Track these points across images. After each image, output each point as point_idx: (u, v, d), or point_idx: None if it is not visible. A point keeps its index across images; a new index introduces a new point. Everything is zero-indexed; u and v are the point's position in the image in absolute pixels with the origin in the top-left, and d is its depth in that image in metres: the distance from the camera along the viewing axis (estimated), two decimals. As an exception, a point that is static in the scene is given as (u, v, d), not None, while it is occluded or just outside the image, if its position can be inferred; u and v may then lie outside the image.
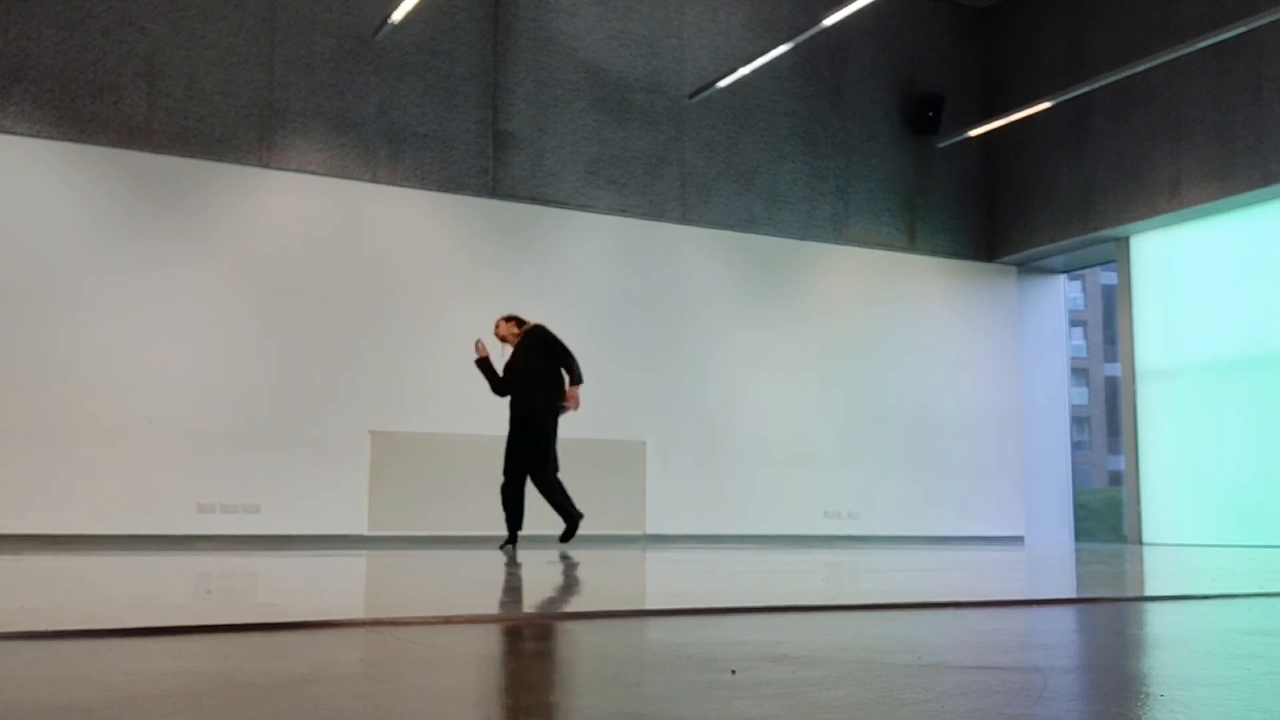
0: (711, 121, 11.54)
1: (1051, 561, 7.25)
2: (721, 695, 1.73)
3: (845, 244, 12.14)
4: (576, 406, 7.78)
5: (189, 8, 9.51)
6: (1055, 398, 13.36)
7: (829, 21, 9.85)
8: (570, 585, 4.53)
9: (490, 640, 2.50)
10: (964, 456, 12.46)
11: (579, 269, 10.77)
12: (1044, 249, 12.53)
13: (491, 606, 3.46)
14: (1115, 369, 20.06)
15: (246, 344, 9.44)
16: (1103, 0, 11.96)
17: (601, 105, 11.05)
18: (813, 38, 10.73)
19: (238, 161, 9.55)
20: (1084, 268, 14.01)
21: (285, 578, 4.88)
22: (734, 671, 1.96)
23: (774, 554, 7.82)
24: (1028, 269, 13.17)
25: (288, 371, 9.55)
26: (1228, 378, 11.10)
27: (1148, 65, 10.34)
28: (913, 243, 12.55)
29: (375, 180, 10.05)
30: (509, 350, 8.04)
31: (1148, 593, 4.40)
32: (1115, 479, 34.47)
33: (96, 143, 9.09)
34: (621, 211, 11.02)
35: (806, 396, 11.75)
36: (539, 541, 9.93)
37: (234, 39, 9.63)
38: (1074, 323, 39.70)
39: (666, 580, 5.03)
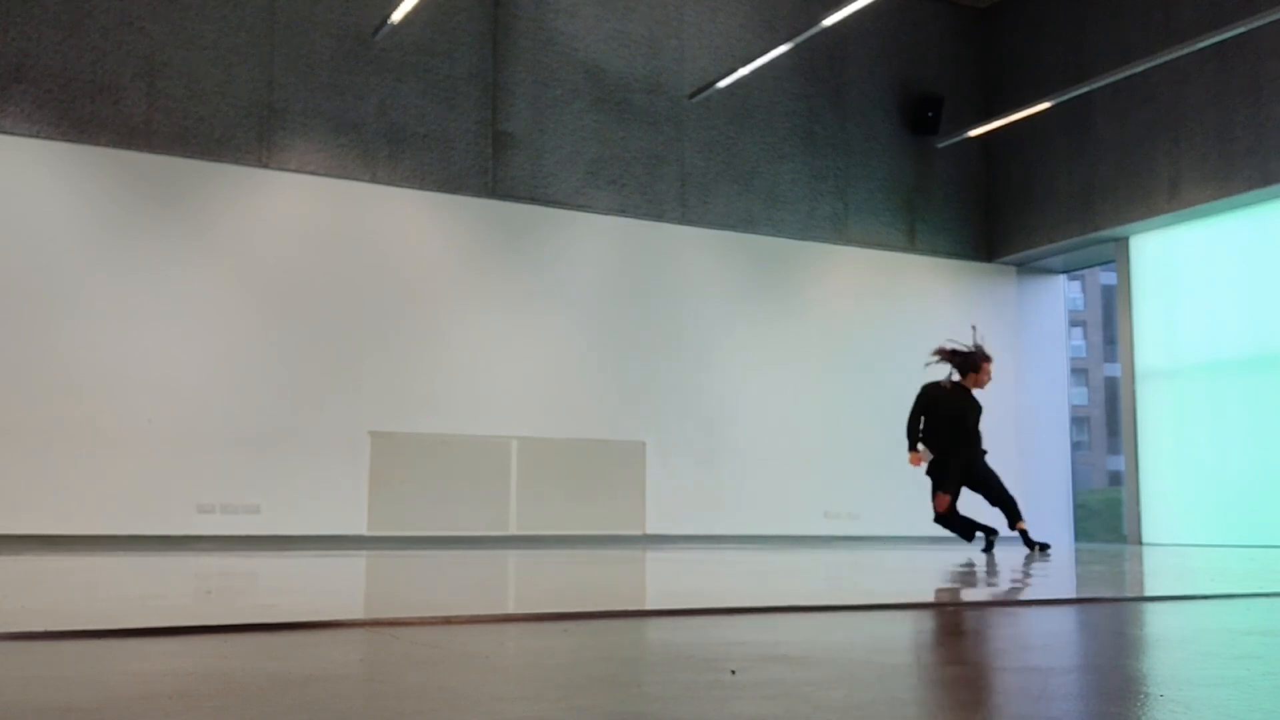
0: (711, 122, 11.54)
1: (1051, 562, 7.25)
2: (721, 695, 1.73)
3: (845, 244, 12.14)
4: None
5: (189, 8, 9.50)
6: (1055, 398, 13.35)
7: (829, 21, 9.85)
8: (569, 586, 4.53)
9: (490, 641, 2.50)
10: (964, 457, 12.43)
11: (579, 269, 10.76)
12: (1043, 249, 12.53)
13: (492, 607, 3.46)
14: (1115, 369, 20.06)
15: (246, 344, 9.44)
16: (1103, 0, 11.95)
17: (601, 105, 11.05)
18: (812, 38, 10.72)
19: (237, 162, 9.55)
20: (1083, 268, 14.01)
21: (285, 578, 4.87)
22: (734, 671, 1.96)
23: (774, 554, 7.82)
24: (1027, 269, 13.17)
25: (288, 372, 9.55)
26: (1228, 378, 11.09)
27: (1148, 65, 10.34)
28: (912, 243, 12.54)
29: (375, 181, 10.04)
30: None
31: (1148, 593, 4.40)
32: (1115, 479, 34.47)
33: (96, 143, 9.08)
34: (621, 212, 11.01)
35: (806, 397, 11.75)
36: (538, 543, 9.93)
37: (233, 39, 9.63)
38: (1074, 323, 39.67)
39: (666, 580, 5.03)
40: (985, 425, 12.97)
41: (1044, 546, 8.35)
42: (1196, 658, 2.32)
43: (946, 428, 8.56)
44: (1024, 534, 8.30)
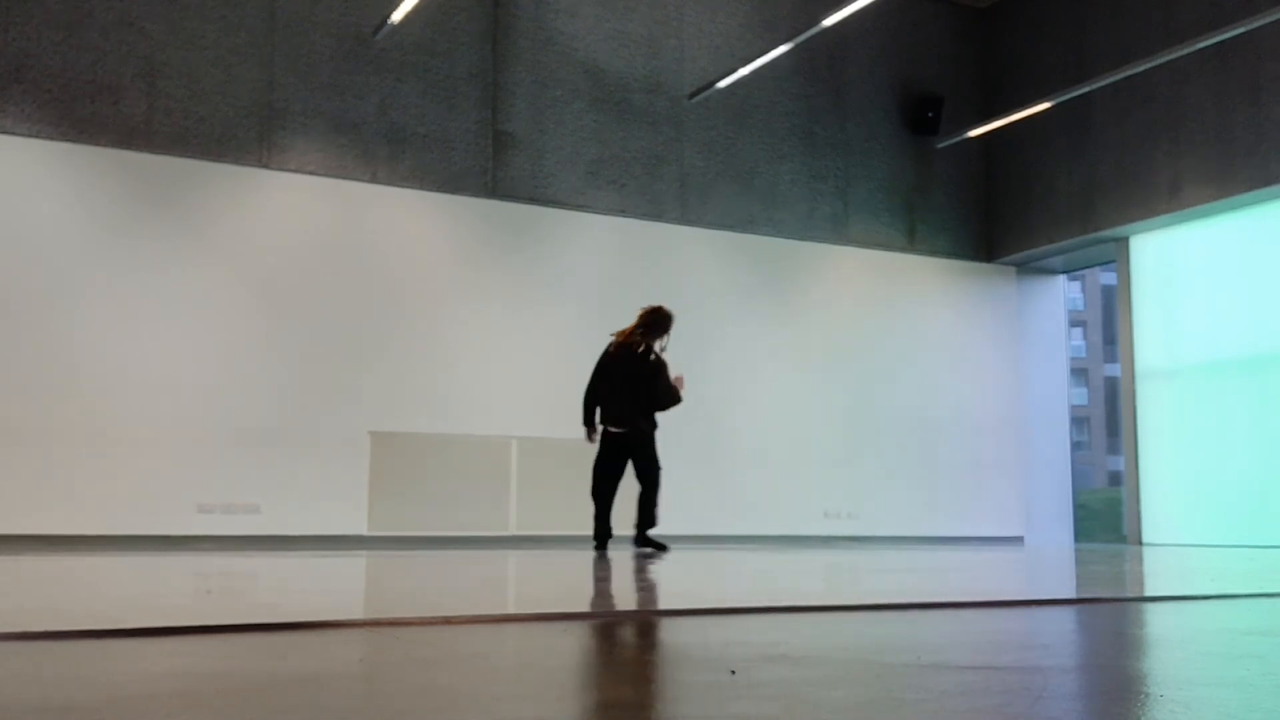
0: (711, 122, 11.54)
1: (1051, 562, 7.25)
2: (721, 695, 1.73)
3: (845, 244, 12.14)
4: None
5: (189, 8, 9.50)
6: (1055, 398, 13.35)
7: (829, 21, 9.85)
8: (569, 586, 4.53)
9: (490, 641, 2.50)
10: (964, 457, 12.45)
11: (578, 269, 10.76)
12: (1043, 249, 12.53)
13: (491, 607, 3.46)
14: (1115, 369, 20.06)
15: (246, 344, 9.44)
16: (1103, 0, 11.95)
17: (601, 105, 11.05)
18: (812, 38, 10.72)
19: (237, 162, 9.55)
20: (1084, 268, 14.01)
21: (285, 578, 4.88)
22: (734, 671, 1.96)
23: (774, 554, 7.82)
24: (1027, 269, 13.17)
25: (288, 372, 9.54)
26: (1228, 378, 11.09)
27: (1148, 65, 10.34)
28: (912, 243, 12.54)
29: (375, 181, 10.04)
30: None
31: (1148, 593, 4.40)
32: (1115, 479, 34.48)
33: (96, 143, 9.08)
34: (621, 212, 11.01)
35: (806, 396, 11.75)
36: (538, 543, 9.92)
37: (234, 39, 9.63)
38: (1074, 323, 39.68)
39: (666, 580, 5.03)
40: (988, 425, 13.04)
41: (661, 547, 7.71)
42: (1196, 658, 2.32)
43: (629, 391, 7.69)
44: (643, 537, 7.67)
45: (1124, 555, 8.43)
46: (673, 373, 7.84)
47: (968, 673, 2.03)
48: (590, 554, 7.36)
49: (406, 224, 10.18)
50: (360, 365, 9.79)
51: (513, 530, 10.15)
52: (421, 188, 10.21)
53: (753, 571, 5.58)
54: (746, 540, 10.88)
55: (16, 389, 8.66)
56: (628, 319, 10.99)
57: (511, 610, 3.40)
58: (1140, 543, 11.61)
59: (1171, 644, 2.66)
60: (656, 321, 7.67)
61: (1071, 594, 4.33)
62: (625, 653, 2.41)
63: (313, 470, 9.51)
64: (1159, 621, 3.19)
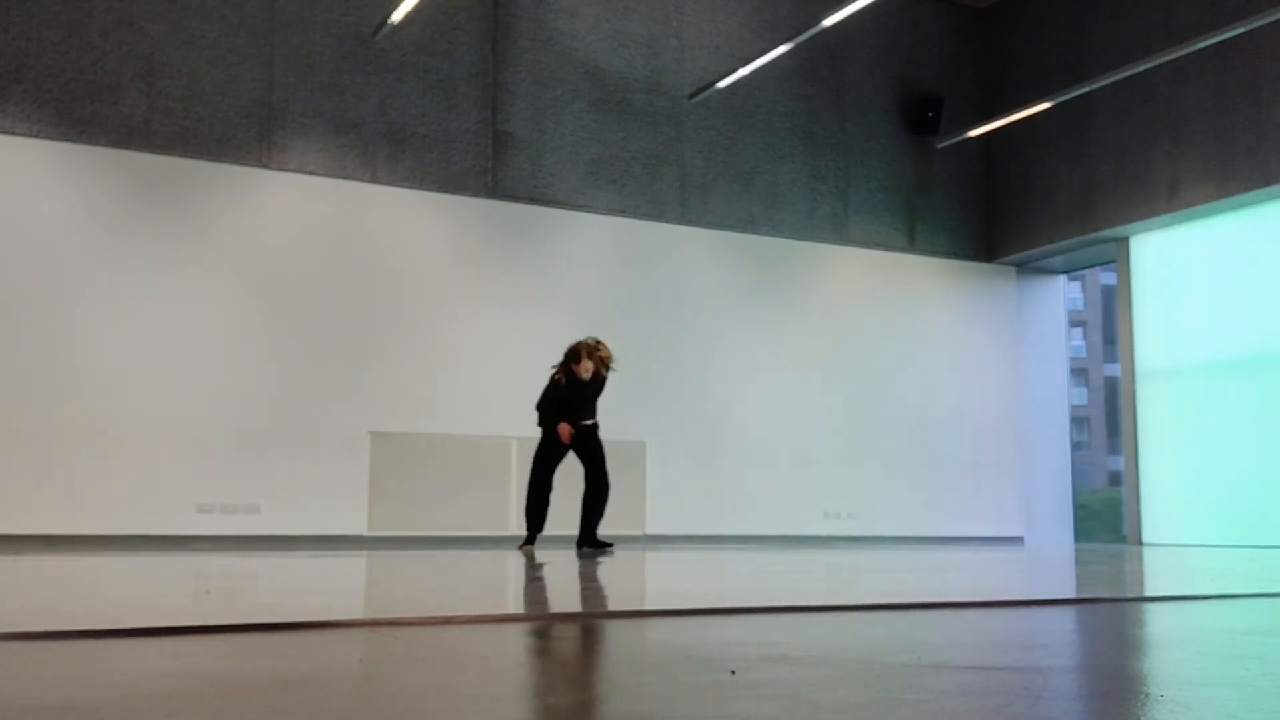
0: (711, 122, 11.54)
1: (1051, 562, 7.25)
2: (721, 695, 1.73)
3: (845, 244, 12.14)
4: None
5: (189, 8, 9.50)
6: (1055, 398, 13.35)
7: (829, 21, 9.85)
8: (570, 586, 4.53)
9: (490, 641, 2.50)
10: (964, 457, 12.45)
11: (578, 269, 10.76)
12: (1043, 249, 12.53)
13: (491, 607, 3.46)
14: (1115, 369, 20.07)
15: (246, 344, 9.44)
16: (1103, 0, 11.95)
17: (601, 105, 11.05)
18: (812, 38, 10.71)
19: (237, 162, 9.55)
20: (1084, 268, 14.02)
21: (285, 578, 4.88)
22: (734, 672, 1.96)
23: (774, 554, 7.82)
24: (1027, 269, 13.17)
25: (288, 372, 9.55)
26: (1228, 378, 11.09)
27: (1148, 65, 10.34)
28: (912, 243, 12.54)
29: (375, 181, 10.04)
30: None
31: (1148, 593, 4.40)
32: (1115, 479, 34.47)
33: (96, 143, 9.08)
34: (621, 212, 11.01)
35: (806, 397, 11.75)
36: (538, 543, 9.91)
37: (234, 39, 9.63)
38: (1074, 323, 39.66)
39: (667, 580, 5.03)
40: (988, 425, 13.04)
41: (606, 545, 8.03)
42: (1196, 658, 2.32)
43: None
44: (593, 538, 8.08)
45: (1124, 555, 8.43)
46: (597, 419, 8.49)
47: (968, 673, 2.03)
48: (594, 554, 7.37)
49: (406, 224, 10.18)
50: (360, 365, 9.79)
51: (513, 530, 10.13)
52: (421, 188, 10.21)
53: (752, 571, 5.58)
54: (746, 540, 10.88)
55: (16, 389, 8.66)
56: (627, 319, 11.03)
57: (511, 610, 3.40)
58: (1140, 543, 11.61)
59: (1171, 644, 2.66)
60: (569, 353, 8.19)
61: (1071, 594, 4.33)
62: (625, 652, 2.41)
63: (312, 470, 9.51)
64: (1159, 621, 3.19)
